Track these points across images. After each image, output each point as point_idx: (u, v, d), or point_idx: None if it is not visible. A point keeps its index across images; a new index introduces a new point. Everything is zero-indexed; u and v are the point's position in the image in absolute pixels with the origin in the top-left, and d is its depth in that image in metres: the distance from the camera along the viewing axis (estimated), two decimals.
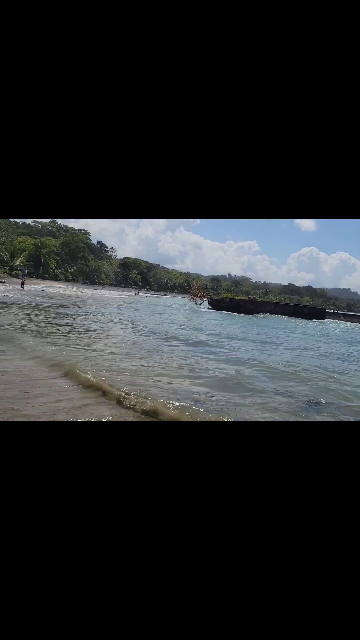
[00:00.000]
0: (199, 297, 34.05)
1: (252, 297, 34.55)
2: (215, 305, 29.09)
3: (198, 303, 32.82)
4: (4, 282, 31.83)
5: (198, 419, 3.13)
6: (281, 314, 26.46)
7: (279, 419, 3.49)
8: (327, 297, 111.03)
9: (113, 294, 42.20)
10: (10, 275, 41.22)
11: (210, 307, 29.67)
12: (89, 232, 75.04)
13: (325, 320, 26.59)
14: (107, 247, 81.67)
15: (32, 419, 2.79)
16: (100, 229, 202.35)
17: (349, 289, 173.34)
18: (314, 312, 26.91)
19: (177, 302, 39.30)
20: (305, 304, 41.46)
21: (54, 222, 74.68)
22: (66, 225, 76.48)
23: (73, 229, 75.17)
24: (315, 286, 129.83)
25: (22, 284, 29.04)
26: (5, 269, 42.41)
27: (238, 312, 26.38)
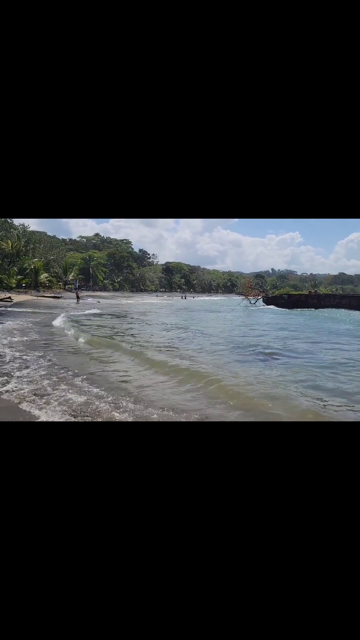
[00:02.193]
0: (253, 295, 32.68)
1: (312, 290, 32.22)
2: (273, 303, 27.49)
3: (252, 302, 31.50)
4: (60, 296, 33.30)
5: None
6: (348, 307, 24.12)
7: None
8: None
9: (157, 300, 42.33)
10: (65, 289, 43.34)
11: (266, 305, 28.15)
12: (130, 242, 77.46)
13: None
14: (149, 254, 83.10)
15: None
16: (140, 237, 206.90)
17: None
18: None
19: (226, 302, 38.20)
20: None
21: (97, 235, 77.99)
22: (108, 237, 79.47)
23: (115, 239, 77.83)
24: None
25: (78, 297, 29.81)
26: (59, 284, 44.66)
27: (299, 308, 24.60)
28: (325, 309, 23.16)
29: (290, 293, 29.66)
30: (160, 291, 68.47)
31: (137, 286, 66.10)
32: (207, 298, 58.87)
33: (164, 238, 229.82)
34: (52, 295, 34.06)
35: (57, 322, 10.50)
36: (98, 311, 18.36)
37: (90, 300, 32.16)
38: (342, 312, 20.82)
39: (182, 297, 56.62)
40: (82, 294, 36.43)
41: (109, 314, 16.44)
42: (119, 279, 63.44)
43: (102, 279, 58.49)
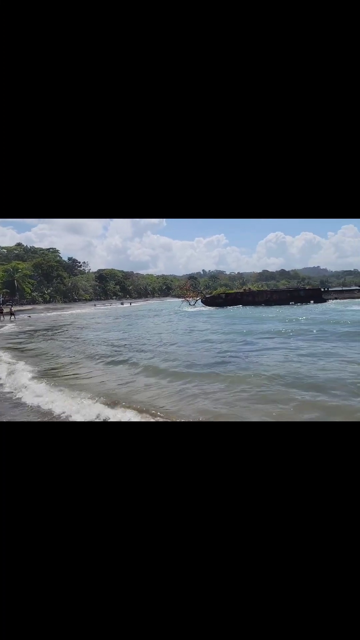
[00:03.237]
0: (191, 296, 33.73)
1: (246, 288, 34.50)
2: (211, 302, 28.70)
3: (192, 303, 32.48)
4: None
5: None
6: (278, 301, 26.51)
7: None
8: (301, 278, 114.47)
9: (95, 310, 40.89)
10: None
11: (205, 305, 29.29)
12: (58, 250, 72.80)
13: (327, 301, 26.60)
14: (79, 262, 79.45)
15: None
16: (67, 245, 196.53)
17: (318, 266, 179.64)
18: (311, 294, 27.01)
19: (166, 306, 38.63)
20: (301, 287, 42.08)
21: (19, 245, 71.70)
22: (33, 247, 73.70)
23: (41, 249, 72.54)
24: (286, 269, 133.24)
25: (10, 314, 26.55)
26: None
27: (235, 305, 26.20)
28: (259, 307, 24.95)
29: (227, 292, 31.31)
30: (94, 299, 65.99)
31: (70, 296, 62.70)
32: (144, 303, 58.67)
33: (93, 245, 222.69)
34: None
35: None
36: (31, 327, 16.86)
37: (21, 316, 29.46)
38: (275, 310, 22.59)
39: (120, 303, 55.55)
40: (13, 308, 32.91)
41: (44, 329, 15.11)
42: (49, 290, 59.39)
43: (29, 291, 54.10)
